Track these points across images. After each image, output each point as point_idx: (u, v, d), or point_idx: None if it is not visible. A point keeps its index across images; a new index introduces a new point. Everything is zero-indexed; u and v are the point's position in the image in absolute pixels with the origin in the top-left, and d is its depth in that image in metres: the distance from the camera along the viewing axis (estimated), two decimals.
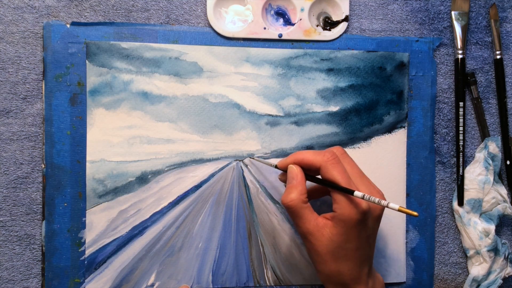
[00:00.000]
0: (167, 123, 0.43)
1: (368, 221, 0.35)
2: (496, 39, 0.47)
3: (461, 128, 0.47)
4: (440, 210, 0.48)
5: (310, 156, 0.37)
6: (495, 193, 0.47)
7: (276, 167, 0.40)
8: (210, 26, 0.44)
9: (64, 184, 0.42)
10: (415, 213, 0.30)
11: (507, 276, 0.47)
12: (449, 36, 0.48)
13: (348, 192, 0.34)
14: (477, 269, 0.47)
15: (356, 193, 0.33)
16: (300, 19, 0.45)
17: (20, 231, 0.42)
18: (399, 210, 0.31)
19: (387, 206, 0.32)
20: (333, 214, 0.36)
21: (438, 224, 0.48)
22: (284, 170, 0.39)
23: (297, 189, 0.36)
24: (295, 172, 0.37)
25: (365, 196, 0.33)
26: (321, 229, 0.36)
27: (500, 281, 0.47)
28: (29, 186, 0.42)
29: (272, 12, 0.45)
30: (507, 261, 0.47)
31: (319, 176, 0.37)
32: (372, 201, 0.33)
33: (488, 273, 0.46)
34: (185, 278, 0.43)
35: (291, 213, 0.37)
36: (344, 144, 0.45)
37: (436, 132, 0.47)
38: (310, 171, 0.37)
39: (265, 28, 0.44)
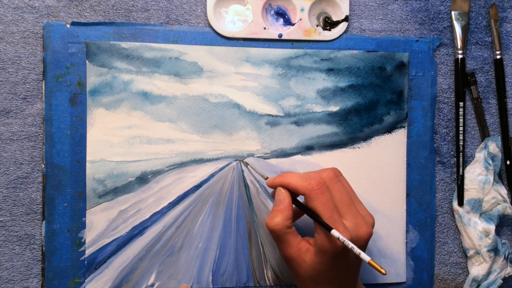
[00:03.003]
0: (167, 123, 0.43)
1: (349, 252, 0.35)
2: (496, 39, 0.47)
3: (461, 128, 0.47)
4: (440, 210, 0.48)
5: (296, 182, 0.36)
6: (495, 193, 0.47)
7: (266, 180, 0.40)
8: (210, 26, 0.44)
9: (64, 184, 0.42)
10: (383, 271, 0.30)
11: (507, 276, 0.47)
12: (449, 36, 0.48)
13: (326, 228, 0.33)
14: (477, 269, 0.47)
15: (333, 232, 0.33)
16: (300, 19, 0.45)
17: (20, 231, 0.42)
18: (369, 263, 0.31)
19: (358, 255, 0.32)
20: (314, 241, 0.35)
21: (438, 224, 0.48)
22: (273, 188, 0.39)
23: (282, 214, 0.36)
24: (283, 196, 0.37)
25: (340, 238, 0.32)
26: (303, 254, 0.35)
27: (500, 281, 0.47)
28: (29, 186, 0.42)
29: (272, 12, 0.45)
30: (507, 261, 0.47)
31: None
32: (346, 245, 0.32)
33: (488, 273, 0.46)
34: (185, 278, 0.43)
35: (274, 237, 0.37)
36: (344, 144, 0.45)
37: (436, 132, 0.47)
38: (296, 194, 0.37)
39: (265, 28, 0.44)
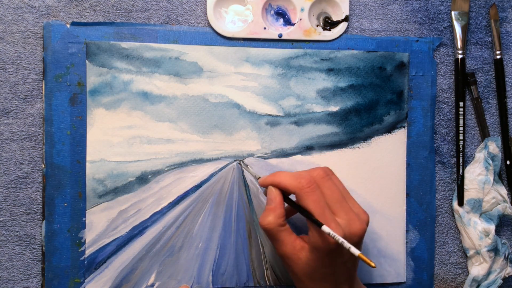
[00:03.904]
0: (167, 123, 0.43)
1: (343, 249, 0.34)
2: (496, 39, 0.47)
3: (461, 128, 0.47)
4: (440, 210, 0.48)
5: (287, 181, 0.36)
6: (495, 193, 0.47)
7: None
8: (210, 26, 0.44)
9: (64, 184, 0.42)
10: (373, 264, 0.31)
11: (507, 276, 0.47)
12: (449, 36, 0.48)
13: (317, 225, 0.34)
14: (477, 269, 0.47)
15: (324, 228, 0.33)
16: (300, 19, 0.45)
17: (20, 231, 0.42)
18: (358, 257, 0.32)
19: (348, 249, 0.32)
20: (308, 239, 0.36)
21: (438, 224, 0.48)
22: (265, 187, 0.39)
23: (274, 212, 0.36)
24: (274, 194, 0.37)
25: (331, 233, 0.33)
26: (298, 252, 0.36)
27: (500, 281, 0.47)
28: (29, 186, 0.42)
29: (272, 12, 0.45)
30: (507, 261, 0.47)
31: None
32: (336, 240, 0.33)
33: (488, 273, 0.47)
34: (185, 278, 0.43)
35: (268, 236, 0.37)
36: (344, 144, 0.45)
37: (436, 132, 0.47)
38: (288, 192, 0.37)
39: (265, 28, 0.44)
